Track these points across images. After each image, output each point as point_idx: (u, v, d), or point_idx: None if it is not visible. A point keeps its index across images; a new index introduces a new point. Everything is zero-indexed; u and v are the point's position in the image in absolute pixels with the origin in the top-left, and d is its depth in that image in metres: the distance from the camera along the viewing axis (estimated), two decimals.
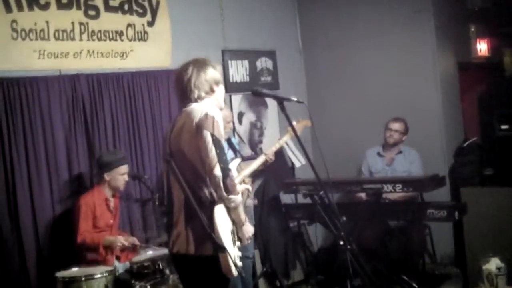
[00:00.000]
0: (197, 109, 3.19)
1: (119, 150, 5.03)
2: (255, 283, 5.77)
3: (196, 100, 3.27)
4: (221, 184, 3.08)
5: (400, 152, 5.89)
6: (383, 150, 5.97)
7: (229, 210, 3.21)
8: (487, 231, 5.10)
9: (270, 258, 5.88)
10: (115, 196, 4.85)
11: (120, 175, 4.73)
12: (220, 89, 3.38)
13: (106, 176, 4.70)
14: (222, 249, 3.06)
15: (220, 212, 3.14)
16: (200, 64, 3.33)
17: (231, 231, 3.20)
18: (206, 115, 3.13)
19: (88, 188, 4.89)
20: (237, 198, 3.15)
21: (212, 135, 3.09)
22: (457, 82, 6.58)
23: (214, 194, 3.14)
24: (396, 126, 5.85)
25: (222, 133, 3.15)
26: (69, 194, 4.86)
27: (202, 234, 3.09)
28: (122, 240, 4.55)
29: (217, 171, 3.07)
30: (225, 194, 3.09)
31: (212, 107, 3.21)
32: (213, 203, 3.14)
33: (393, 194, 5.51)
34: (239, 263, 3.19)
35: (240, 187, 3.27)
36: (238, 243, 3.27)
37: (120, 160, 4.75)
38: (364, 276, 5.22)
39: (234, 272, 3.10)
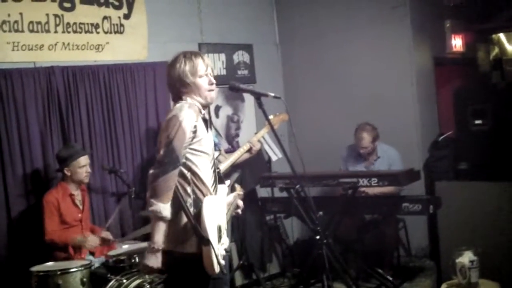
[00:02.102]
0: (172, 108, 3.18)
1: (76, 143, 4.97)
2: (232, 277, 5.78)
3: (175, 99, 3.25)
4: (149, 179, 3.02)
5: (378, 157, 5.83)
6: (359, 154, 5.89)
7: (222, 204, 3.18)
8: (461, 224, 5.16)
9: (246, 251, 5.89)
10: (81, 190, 4.82)
11: (80, 168, 4.69)
12: (201, 81, 3.23)
13: (67, 171, 4.67)
14: (206, 241, 2.99)
15: (209, 205, 3.07)
16: (172, 60, 3.28)
17: (218, 226, 3.12)
18: (171, 118, 3.09)
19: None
20: (159, 207, 2.98)
21: (168, 137, 3.05)
22: (432, 77, 6.63)
23: (197, 191, 3.11)
24: (363, 143, 5.72)
25: (181, 137, 3.04)
26: (44, 187, 4.81)
27: (186, 229, 3.05)
28: (92, 242, 4.54)
29: (151, 171, 3.03)
30: (148, 194, 3.02)
31: (184, 109, 3.11)
32: (196, 199, 3.10)
33: (374, 189, 5.53)
34: (222, 261, 3.11)
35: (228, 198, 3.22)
36: (224, 240, 3.18)
37: (77, 152, 4.71)
38: (340, 269, 5.27)
39: (216, 268, 3.04)
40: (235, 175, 5.58)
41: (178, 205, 3.07)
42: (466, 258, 4.42)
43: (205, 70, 3.23)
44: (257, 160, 6.10)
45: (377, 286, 5.47)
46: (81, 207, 4.78)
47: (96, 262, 4.50)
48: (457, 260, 4.46)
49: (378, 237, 5.77)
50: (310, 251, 5.40)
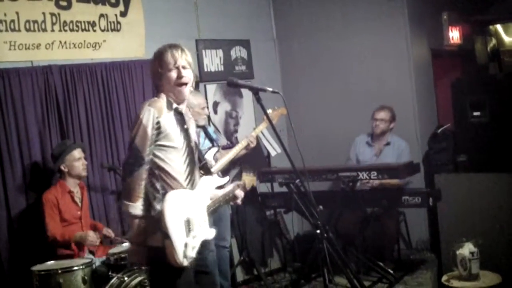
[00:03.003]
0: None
1: (67, 139, 4.94)
2: (233, 272, 5.79)
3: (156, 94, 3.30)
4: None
5: (388, 143, 5.86)
6: (372, 140, 5.97)
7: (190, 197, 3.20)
8: (461, 216, 5.17)
9: (247, 247, 5.89)
10: (80, 187, 4.82)
11: (76, 161, 4.69)
12: (169, 75, 3.21)
13: (63, 167, 4.67)
14: (165, 235, 3.03)
15: (171, 200, 3.10)
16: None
17: (186, 220, 3.14)
18: (135, 117, 3.16)
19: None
20: (129, 206, 3.08)
21: (130, 137, 3.12)
22: (430, 69, 6.63)
23: (166, 187, 3.14)
24: (381, 115, 5.83)
25: (142, 135, 3.10)
26: (43, 186, 4.81)
27: (154, 224, 3.10)
28: (92, 239, 4.53)
29: (122, 167, 3.12)
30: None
31: (144, 107, 3.15)
32: (163, 192, 3.14)
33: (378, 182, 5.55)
34: (191, 254, 3.13)
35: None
36: (195, 233, 3.19)
37: (70, 146, 4.71)
38: (340, 263, 5.28)
39: (181, 261, 3.07)
40: (234, 172, 5.60)
41: (148, 201, 3.13)
42: (467, 249, 4.43)
43: (173, 64, 3.21)
44: (256, 155, 6.10)
45: (378, 279, 5.48)
46: (80, 204, 4.77)
47: (97, 260, 4.50)
48: (457, 252, 4.48)
49: (379, 230, 5.77)
50: (311, 245, 5.41)
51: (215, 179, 3.55)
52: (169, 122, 3.17)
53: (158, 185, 3.16)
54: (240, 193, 3.57)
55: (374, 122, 5.85)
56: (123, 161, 3.12)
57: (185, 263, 3.09)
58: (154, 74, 3.26)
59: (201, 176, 3.46)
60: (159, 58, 3.23)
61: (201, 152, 3.83)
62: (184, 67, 3.23)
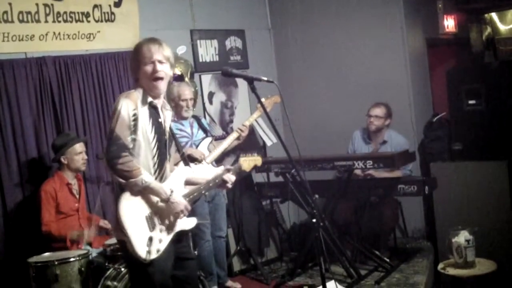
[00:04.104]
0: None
1: (70, 131, 4.95)
2: (229, 262, 5.81)
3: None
4: (111, 171, 3.11)
5: (385, 142, 5.83)
6: (368, 137, 5.93)
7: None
8: (456, 204, 5.19)
9: (243, 236, 5.91)
10: (77, 179, 4.82)
11: (77, 155, 4.68)
12: (145, 69, 3.23)
13: (63, 159, 4.66)
14: (124, 234, 3.09)
15: (127, 199, 3.14)
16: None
17: (147, 216, 3.18)
18: (113, 108, 3.17)
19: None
20: (139, 180, 3.10)
21: (110, 128, 3.14)
22: (425, 58, 6.63)
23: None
24: (376, 112, 5.78)
25: (122, 124, 3.11)
26: (39, 178, 4.80)
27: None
28: (87, 238, 4.54)
29: (106, 158, 3.12)
30: (120, 179, 3.10)
31: (121, 99, 3.17)
32: (121, 190, 3.16)
33: (381, 173, 5.56)
34: (158, 247, 3.19)
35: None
36: (161, 226, 3.24)
37: (73, 139, 4.71)
38: (337, 252, 5.30)
39: (144, 257, 3.12)
40: (230, 161, 5.60)
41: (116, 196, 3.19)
42: (462, 237, 4.45)
43: (150, 58, 3.21)
44: (252, 145, 6.11)
45: (374, 268, 5.50)
46: (77, 196, 4.77)
47: (94, 251, 4.50)
48: (453, 240, 4.50)
49: (376, 219, 5.79)
50: (307, 235, 5.43)
51: (186, 169, 3.55)
52: (142, 115, 3.19)
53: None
54: (229, 178, 3.57)
55: (369, 119, 5.81)
56: (105, 152, 3.12)
57: (150, 257, 3.14)
58: (132, 68, 3.27)
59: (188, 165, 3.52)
60: (136, 51, 3.25)
61: (179, 144, 3.83)
62: (160, 62, 3.22)
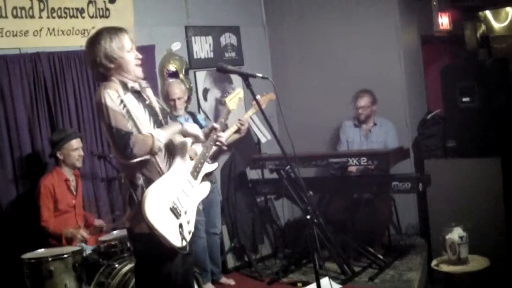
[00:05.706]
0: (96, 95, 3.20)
1: (68, 127, 4.96)
2: (224, 259, 5.81)
3: (99, 78, 3.28)
4: (133, 163, 3.10)
5: (375, 124, 5.96)
6: (359, 123, 6.02)
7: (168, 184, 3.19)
8: (450, 201, 5.19)
9: (238, 233, 5.91)
10: (75, 175, 4.81)
11: (73, 151, 4.68)
12: (128, 56, 3.25)
13: (60, 155, 4.66)
14: (151, 228, 3.07)
15: (153, 192, 3.11)
16: (93, 37, 3.29)
17: (171, 207, 3.16)
18: (97, 104, 3.14)
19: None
20: (154, 147, 3.11)
21: (106, 125, 3.10)
22: (420, 55, 6.64)
23: (147, 174, 3.16)
24: (361, 103, 5.89)
25: (115, 115, 3.08)
26: (33, 174, 4.79)
27: (139, 213, 3.11)
28: (83, 234, 4.54)
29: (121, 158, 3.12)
30: (145, 158, 3.11)
31: (102, 93, 3.13)
32: (148, 183, 3.15)
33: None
34: (189, 228, 3.22)
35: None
36: (185, 209, 3.23)
37: (69, 135, 4.70)
38: (331, 249, 5.31)
39: (180, 244, 3.13)
40: (224, 158, 5.58)
41: (130, 192, 3.19)
42: (456, 234, 4.46)
43: (130, 45, 3.26)
44: (247, 142, 6.11)
45: (368, 264, 5.51)
46: (75, 193, 4.77)
47: (88, 248, 4.49)
48: (446, 237, 4.51)
49: (369, 215, 5.80)
50: (301, 232, 5.43)
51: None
52: (130, 103, 3.16)
53: (137, 174, 3.17)
54: (222, 136, 3.66)
55: (357, 111, 5.92)
56: (116, 153, 3.13)
57: (186, 242, 3.16)
58: (106, 57, 3.20)
59: None
60: (116, 40, 3.22)
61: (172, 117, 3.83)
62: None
